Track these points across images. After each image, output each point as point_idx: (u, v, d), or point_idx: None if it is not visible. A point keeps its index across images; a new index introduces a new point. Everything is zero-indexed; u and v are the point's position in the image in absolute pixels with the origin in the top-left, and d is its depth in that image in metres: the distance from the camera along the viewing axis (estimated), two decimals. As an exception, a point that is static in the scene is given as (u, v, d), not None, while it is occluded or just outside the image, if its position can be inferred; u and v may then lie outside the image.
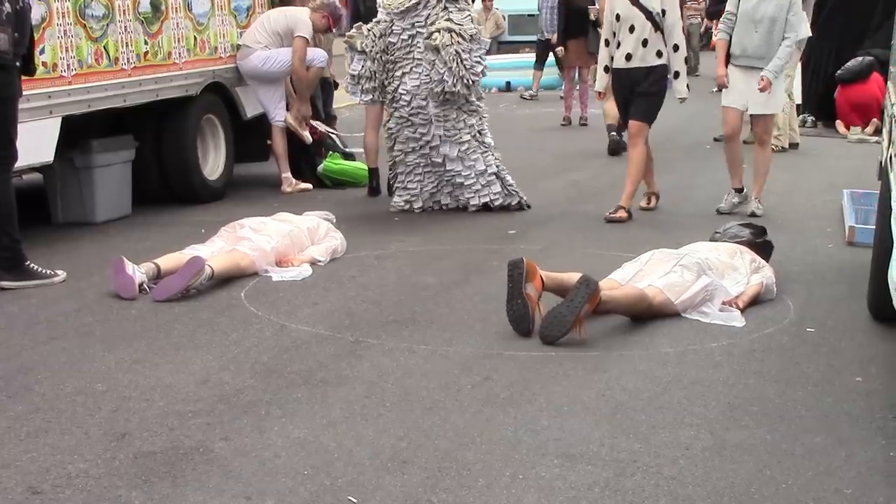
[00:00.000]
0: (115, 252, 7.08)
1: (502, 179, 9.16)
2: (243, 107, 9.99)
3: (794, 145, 12.84)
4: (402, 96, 9.00)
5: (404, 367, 5.27)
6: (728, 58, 8.92)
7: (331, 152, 10.55)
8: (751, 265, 6.56)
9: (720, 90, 9.24)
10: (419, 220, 8.84)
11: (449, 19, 8.80)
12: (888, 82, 7.53)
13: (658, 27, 8.69)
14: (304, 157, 10.45)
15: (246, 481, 3.97)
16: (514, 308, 5.74)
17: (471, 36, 8.84)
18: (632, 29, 8.71)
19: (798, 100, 13.38)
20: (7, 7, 6.42)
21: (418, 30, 8.91)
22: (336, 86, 12.05)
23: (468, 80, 8.79)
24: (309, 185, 10.23)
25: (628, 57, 8.78)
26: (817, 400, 4.88)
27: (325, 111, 11.36)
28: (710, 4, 14.35)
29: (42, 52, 7.49)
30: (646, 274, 6.20)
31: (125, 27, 8.41)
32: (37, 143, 7.45)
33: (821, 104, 14.48)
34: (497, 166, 9.13)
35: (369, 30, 9.09)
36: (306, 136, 10.22)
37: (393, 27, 9.02)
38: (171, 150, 9.24)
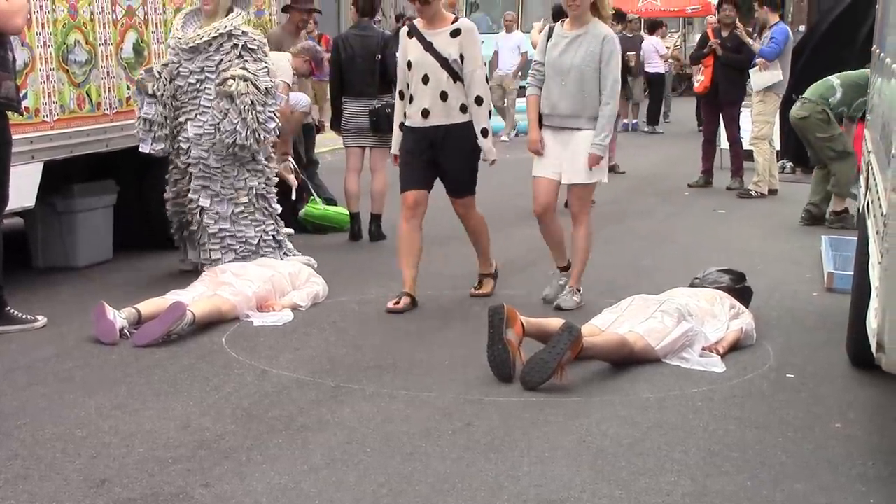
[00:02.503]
0: (96, 297, 7.07)
1: (283, 247, 8.40)
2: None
3: (773, 191, 12.93)
4: (182, 144, 8.08)
5: (385, 412, 5.26)
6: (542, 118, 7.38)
7: (312, 197, 10.57)
8: (730, 311, 6.59)
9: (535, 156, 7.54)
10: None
11: (244, 68, 7.89)
12: (865, 129, 7.61)
13: (457, 77, 7.27)
14: (286, 202, 10.45)
15: (226, 528, 3.96)
16: (494, 354, 5.75)
17: (266, 89, 7.99)
18: (426, 79, 7.28)
19: (778, 146, 13.48)
20: (11, 55, 6.51)
21: (208, 74, 7.95)
22: (319, 130, 12.08)
23: (260, 135, 7.95)
24: (290, 230, 10.23)
25: (425, 113, 7.29)
26: (797, 446, 4.90)
27: (307, 156, 11.38)
28: (695, 49, 14.43)
29: (25, 97, 7.49)
30: (626, 319, 6.22)
31: (108, 72, 8.43)
32: (18, 187, 7.43)
33: (799, 151, 14.57)
34: (273, 236, 8.33)
35: (159, 73, 8.11)
36: (292, 179, 10.23)
37: (181, 68, 8.04)
38: (153, 195, 9.22)
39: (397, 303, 7.21)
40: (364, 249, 9.57)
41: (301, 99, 10.23)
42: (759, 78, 12.64)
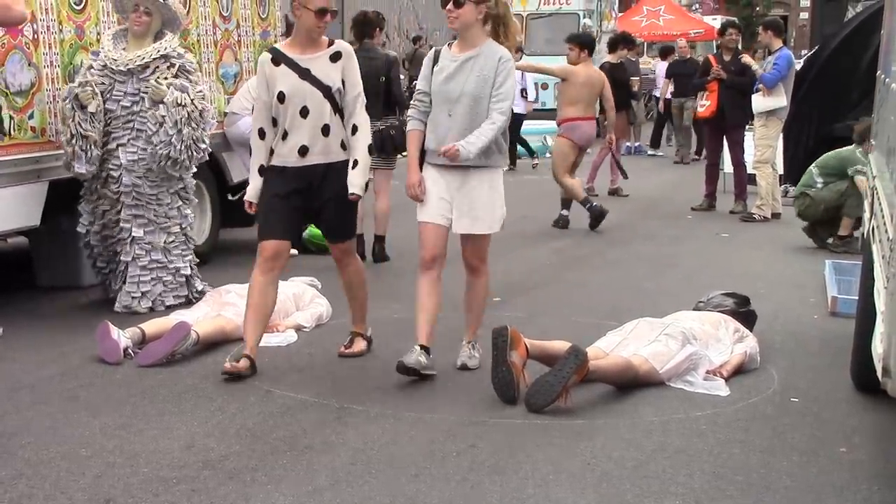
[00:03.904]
0: (100, 316, 7.07)
1: (191, 285, 8.01)
2: (229, 172, 10.02)
3: (776, 215, 12.95)
4: (112, 172, 7.63)
5: (390, 433, 5.26)
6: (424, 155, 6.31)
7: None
8: (734, 335, 6.59)
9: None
10: (404, 287, 8.84)
11: (183, 86, 7.63)
12: (869, 154, 7.64)
13: (339, 108, 6.36)
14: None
15: (231, 549, 3.96)
16: (498, 375, 5.75)
17: (200, 111, 7.68)
18: (304, 112, 6.27)
19: (780, 170, 13.51)
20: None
21: (143, 96, 7.61)
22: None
23: (192, 153, 7.66)
24: (294, 251, 10.24)
25: (303, 151, 6.28)
26: (802, 470, 4.90)
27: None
28: (697, 76, 14.43)
29: (31, 116, 7.52)
30: (630, 342, 6.23)
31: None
32: (24, 206, 7.47)
33: (801, 177, 14.62)
34: (191, 268, 8.02)
35: (94, 91, 7.56)
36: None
37: (113, 92, 7.63)
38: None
39: (237, 361, 6.15)
40: (368, 271, 9.51)
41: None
42: (761, 102, 12.67)
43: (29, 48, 7.50)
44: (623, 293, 8.67)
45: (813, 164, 10.95)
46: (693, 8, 41.10)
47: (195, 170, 8.02)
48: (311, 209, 6.48)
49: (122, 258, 7.73)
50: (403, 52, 25.39)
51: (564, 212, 12.24)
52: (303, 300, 7.58)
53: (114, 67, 7.59)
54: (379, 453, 5.00)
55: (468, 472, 4.78)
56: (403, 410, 5.62)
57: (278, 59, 6.37)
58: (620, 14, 30.62)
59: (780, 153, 13.60)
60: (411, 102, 6.37)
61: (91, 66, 7.67)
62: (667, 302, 7.83)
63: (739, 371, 6.35)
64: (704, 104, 13.52)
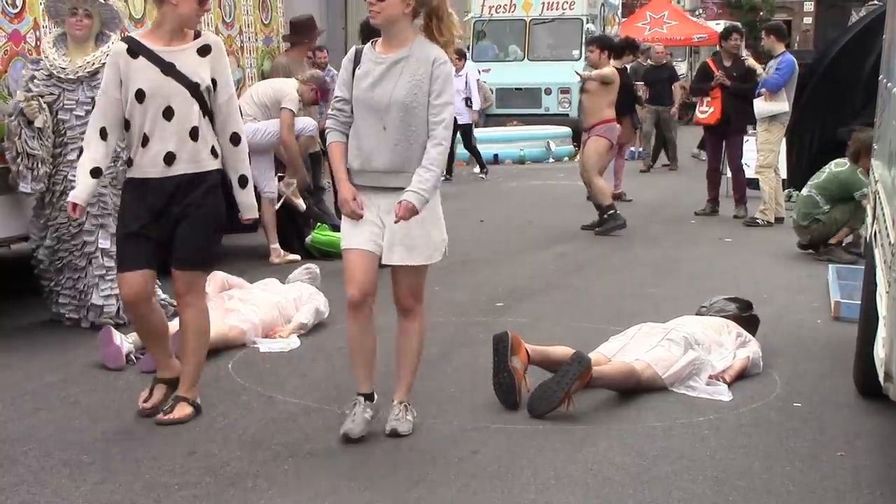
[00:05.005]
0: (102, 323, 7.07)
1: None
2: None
3: (779, 219, 12.93)
4: (71, 181, 6.58)
5: (392, 439, 5.25)
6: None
7: (319, 223, 10.59)
8: (737, 339, 6.59)
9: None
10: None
11: None
12: (872, 159, 7.63)
13: (209, 109, 5.49)
14: (293, 229, 10.49)
15: (232, 555, 3.95)
16: (500, 381, 5.75)
17: None
18: (168, 113, 5.38)
19: (784, 174, 13.50)
20: None
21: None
22: (326, 157, 12.11)
23: None
24: (297, 257, 10.24)
25: (170, 159, 5.37)
26: (804, 475, 4.89)
27: (314, 182, 11.41)
28: (694, 82, 14.44)
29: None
30: (632, 347, 6.23)
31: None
32: (25, 212, 7.48)
33: (805, 181, 14.61)
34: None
35: (41, 105, 7.13)
36: (300, 204, 10.26)
37: (64, 101, 7.21)
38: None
39: (147, 399, 5.61)
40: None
41: (308, 123, 10.26)
42: (764, 107, 12.65)
43: None
44: (626, 298, 8.66)
45: (810, 187, 10.79)
46: (696, 13, 41.11)
47: None
48: (167, 226, 5.45)
49: (92, 272, 7.27)
50: None
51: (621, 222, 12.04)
52: (301, 301, 7.58)
53: (62, 76, 7.18)
54: (380, 459, 4.99)
55: (470, 477, 4.78)
56: (405, 416, 5.61)
57: (136, 50, 5.41)
58: (623, 19, 30.61)
59: (784, 158, 13.60)
60: (329, 112, 5.42)
61: (34, 77, 7.26)
62: (669, 307, 7.81)
63: (742, 376, 6.34)
64: (706, 110, 13.45)
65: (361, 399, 5.31)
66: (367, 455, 5.03)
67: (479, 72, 22.61)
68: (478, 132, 21.39)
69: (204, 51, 5.49)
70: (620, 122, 13.81)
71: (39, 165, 7.12)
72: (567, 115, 22.59)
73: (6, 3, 7.36)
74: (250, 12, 10.34)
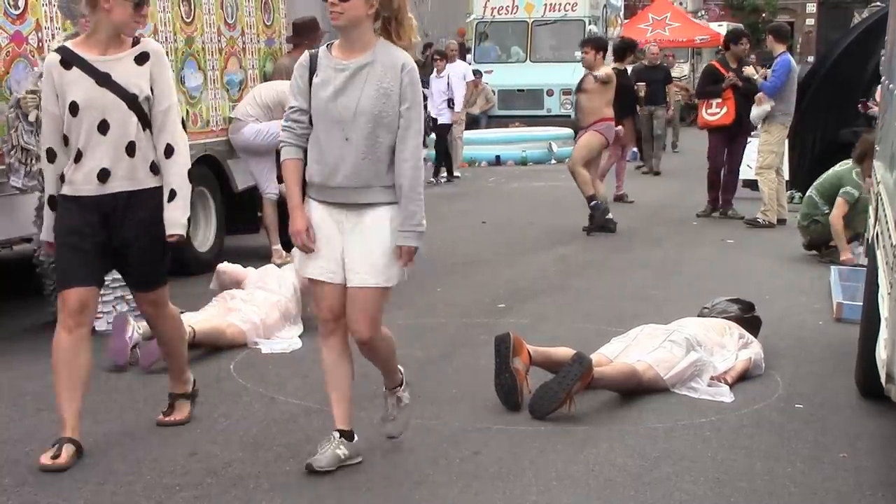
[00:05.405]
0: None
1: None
2: (234, 179, 10.04)
3: (781, 221, 12.92)
4: None
5: (393, 440, 5.25)
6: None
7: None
8: (739, 341, 6.58)
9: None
10: (407, 293, 8.83)
11: None
12: (874, 161, 7.63)
13: (148, 122, 5.12)
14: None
15: (233, 556, 3.96)
16: (502, 382, 5.75)
17: None
18: (104, 127, 5.01)
19: (786, 175, 13.49)
20: None
21: None
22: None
23: None
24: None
25: (104, 175, 5.01)
26: (806, 477, 4.89)
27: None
28: (701, 84, 14.40)
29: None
30: (634, 349, 6.22)
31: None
32: (29, 215, 7.47)
33: (807, 182, 14.61)
34: None
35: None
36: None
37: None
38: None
39: (56, 457, 4.86)
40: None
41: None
42: (755, 111, 12.66)
43: None
44: (627, 299, 8.66)
45: (813, 188, 10.83)
46: (699, 15, 41.08)
47: None
48: (111, 247, 5.11)
49: None
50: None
51: (609, 215, 12.15)
52: (297, 296, 7.56)
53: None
54: (382, 460, 5.00)
55: (472, 478, 4.78)
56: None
57: (69, 60, 5.06)
58: (626, 21, 30.61)
59: (787, 159, 13.58)
60: (283, 124, 4.95)
61: (42, 75, 7.29)
62: (671, 308, 7.81)
63: (744, 377, 6.34)
64: (717, 112, 13.34)
65: (336, 435, 4.89)
66: (368, 456, 5.02)
67: (483, 73, 22.66)
68: (480, 133, 21.41)
69: (142, 59, 5.11)
70: (622, 125, 13.85)
71: (33, 161, 6.95)
72: (569, 116, 22.53)
73: (8, 4, 7.36)
74: (252, 14, 10.34)
